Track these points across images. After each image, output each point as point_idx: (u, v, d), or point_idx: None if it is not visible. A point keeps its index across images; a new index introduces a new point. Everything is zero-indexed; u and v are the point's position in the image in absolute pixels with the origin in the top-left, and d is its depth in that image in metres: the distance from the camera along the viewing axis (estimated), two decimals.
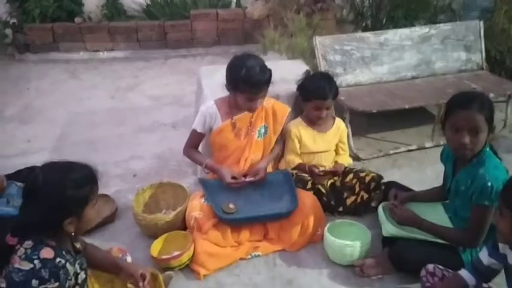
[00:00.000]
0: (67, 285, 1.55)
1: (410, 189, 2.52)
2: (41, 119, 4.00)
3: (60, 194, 1.55)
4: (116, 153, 3.40)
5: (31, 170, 2.52)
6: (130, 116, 4.04)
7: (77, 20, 5.45)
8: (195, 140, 2.63)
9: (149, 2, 5.74)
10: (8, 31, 5.45)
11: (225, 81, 2.48)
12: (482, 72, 3.77)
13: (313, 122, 2.74)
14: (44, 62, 5.33)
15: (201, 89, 3.14)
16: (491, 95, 3.42)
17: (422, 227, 2.15)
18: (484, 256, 1.82)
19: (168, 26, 5.52)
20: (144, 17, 5.78)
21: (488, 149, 2.05)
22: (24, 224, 1.59)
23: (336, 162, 2.79)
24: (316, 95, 2.64)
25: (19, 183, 2.46)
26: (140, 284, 1.81)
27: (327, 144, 2.75)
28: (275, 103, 2.65)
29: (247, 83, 2.34)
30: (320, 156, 2.74)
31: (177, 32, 5.56)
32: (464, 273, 1.86)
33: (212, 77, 3.18)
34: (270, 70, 2.41)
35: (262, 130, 2.61)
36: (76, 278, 1.64)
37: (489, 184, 1.95)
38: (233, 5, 5.90)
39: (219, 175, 2.53)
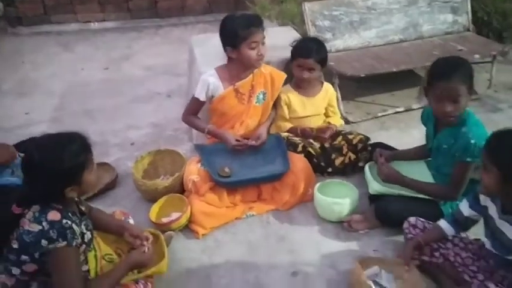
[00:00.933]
0: (74, 243, 1.66)
1: (395, 149, 2.65)
2: (38, 91, 4.07)
3: (56, 168, 1.63)
4: (113, 123, 3.50)
5: (33, 140, 2.65)
6: (125, 86, 4.12)
7: None
8: (195, 107, 2.71)
9: None
10: (0, 4, 5.43)
11: (222, 48, 2.56)
12: (468, 33, 3.85)
13: (301, 86, 2.83)
14: (37, 35, 5.35)
15: (193, 58, 3.21)
16: (477, 56, 3.54)
17: (405, 184, 2.29)
18: (464, 208, 1.96)
19: None
20: None
21: (467, 108, 2.16)
22: (28, 196, 1.70)
23: (329, 123, 2.90)
24: (299, 52, 2.73)
25: (22, 154, 2.57)
26: (144, 242, 1.95)
27: (316, 108, 2.85)
28: (272, 70, 2.74)
29: (244, 27, 2.43)
30: (309, 120, 2.85)
31: (168, 0, 5.57)
32: (443, 224, 2.01)
33: (204, 45, 3.25)
34: (257, 15, 2.55)
35: (261, 96, 2.70)
36: (83, 237, 1.75)
37: (472, 142, 2.07)
38: None
39: (223, 139, 2.64)
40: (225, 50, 2.55)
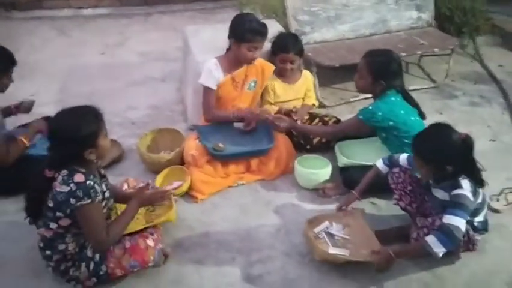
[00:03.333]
0: (96, 200, 2.02)
1: None
2: (39, 74, 4.37)
3: (74, 134, 1.97)
4: (113, 105, 3.84)
5: (47, 118, 3.02)
6: (121, 71, 4.47)
7: None
8: (211, 99, 3.01)
9: None
10: None
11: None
12: (430, 29, 4.33)
13: (283, 75, 3.26)
14: (31, 19, 5.61)
15: (188, 47, 3.60)
16: (436, 50, 4.05)
17: (297, 129, 3.02)
18: (403, 159, 2.46)
19: None
20: None
21: (389, 92, 2.70)
22: (55, 160, 2.05)
23: (303, 104, 3.35)
24: (281, 49, 3.19)
25: None
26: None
27: (296, 94, 3.31)
28: (263, 61, 3.14)
29: (253, 32, 2.83)
30: (291, 103, 3.30)
31: None
32: (380, 164, 2.53)
33: (197, 36, 3.64)
34: (266, 25, 2.93)
35: (252, 84, 3.12)
36: (103, 194, 2.12)
37: (370, 107, 2.69)
38: None
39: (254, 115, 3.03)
40: (229, 39, 2.94)
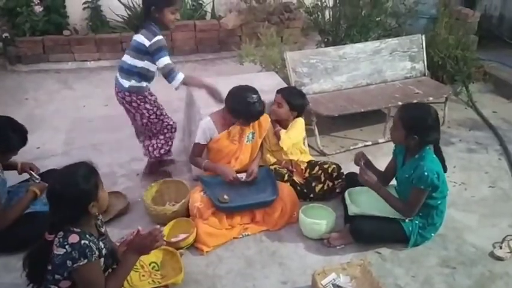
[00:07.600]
0: (93, 259, 2.02)
1: None
2: (45, 127, 4.46)
3: (78, 190, 2.02)
4: (118, 156, 3.93)
5: (51, 172, 3.08)
6: (124, 122, 4.49)
7: (66, 32, 5.90)
8: (198, 151, 3.22)
9: (130, 13, 6.24)
10: None
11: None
12: (424, 78, 4.50)
13: (279, 122, 3.36)
14: (36, 72, 5.75)
15: (192, 101, 3.70)
16: (430, 98, 4.18)
17: (380, 192, 2.82)
18: None
19: None
20: (126, 27, 6.26)
21: (428, 147, 2.74)
22: (57, 222, 2.06)
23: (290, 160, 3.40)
24: (278, 90, 3.37)
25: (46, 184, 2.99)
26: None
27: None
28: None
29: (248, 114, 3.02)
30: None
31: None
32: None
33: (201, 89, 3.75)
34: (263, 103, 3.09)
35: (250, 136, 3.21)
36: (100, 252, 2.11)
37: (425, 173, 2.64)
38: (208, 15, 6.48)
39: (221, 172, 3.12)
40: (227, 105, 3.07)
